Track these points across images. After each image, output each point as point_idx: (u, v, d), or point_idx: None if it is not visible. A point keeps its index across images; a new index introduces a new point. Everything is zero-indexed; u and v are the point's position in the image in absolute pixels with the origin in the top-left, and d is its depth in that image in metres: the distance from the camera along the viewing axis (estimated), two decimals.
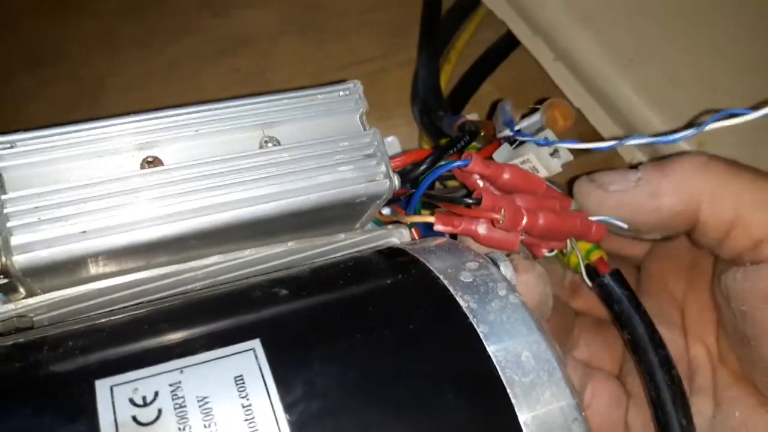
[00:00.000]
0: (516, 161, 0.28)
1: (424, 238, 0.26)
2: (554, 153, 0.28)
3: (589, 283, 0.28)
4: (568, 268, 0.31)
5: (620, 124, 0.41)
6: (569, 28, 0.40)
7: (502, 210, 0.25)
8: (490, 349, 0.19)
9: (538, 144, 0.26)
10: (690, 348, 0.27)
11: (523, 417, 0.18)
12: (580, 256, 0.28)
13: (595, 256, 0.28)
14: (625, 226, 0.27)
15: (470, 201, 0.25)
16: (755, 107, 0.21)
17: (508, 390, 0.19)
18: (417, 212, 0.28)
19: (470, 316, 0.20)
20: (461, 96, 0.41)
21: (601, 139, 0.41)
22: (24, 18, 0.42)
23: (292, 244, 0.25)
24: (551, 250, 0.28)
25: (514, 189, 0.26)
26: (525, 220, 0.25)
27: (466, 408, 0.19)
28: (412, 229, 0.28)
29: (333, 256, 0.26)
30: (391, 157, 0.26)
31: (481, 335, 0.20)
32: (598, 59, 0.40)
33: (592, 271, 0.28)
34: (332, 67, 0.41)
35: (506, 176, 0.26)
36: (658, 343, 0.25)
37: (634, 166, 0.27)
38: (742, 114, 0.20)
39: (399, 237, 0.28)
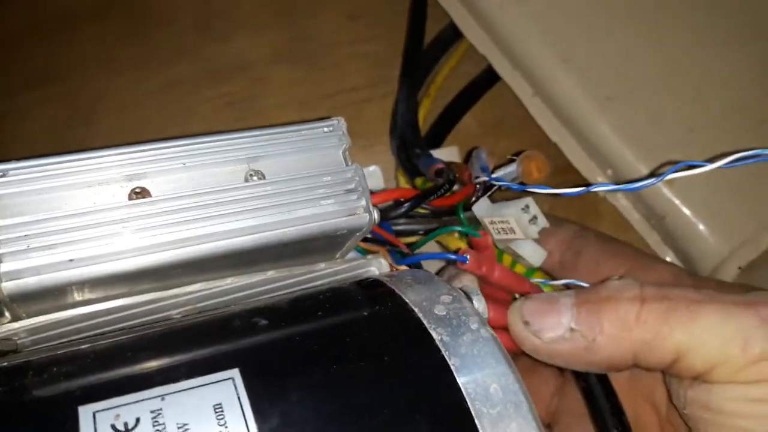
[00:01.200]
0: (495, 218, 0.29)
1: (402, 270, 0.27)
2: (533, 220, 0.29)
3: None
4: None
5: (596, 160, 0.43)
6: (549, 65, 0.41)
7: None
8: (461, 381, 0.20)
9: (512, 189, 0.27)
10: (637, 406, 0.28)
11: None
12: None
13: None
14: (586, 285, 0.29)
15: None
16: (712, 160, 0.22)
17: (477, 422, 0.20)
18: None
19: (443, 349, 0.21)
20: (442, 128, 0.42)
21: (577, 172, 0.42)
22: (25, 37, 0.43)
23: (273, 273, 0.26)
24: None
25: (501, 286, 0.28)
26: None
27: None
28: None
29: (313, 285, 0.26)
30: (374, 193, 0.27)
31: (452, 368, 0.21)
32: (576, 96, 0.41)
33: None
34: (320, 95, 0.43)
35: (496, 275, 0.28)
36: (611, 391, 0.26)
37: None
38: (700, 166, 0.21)
39: (378, 267, 0.28)
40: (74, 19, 0.43)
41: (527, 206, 0.27)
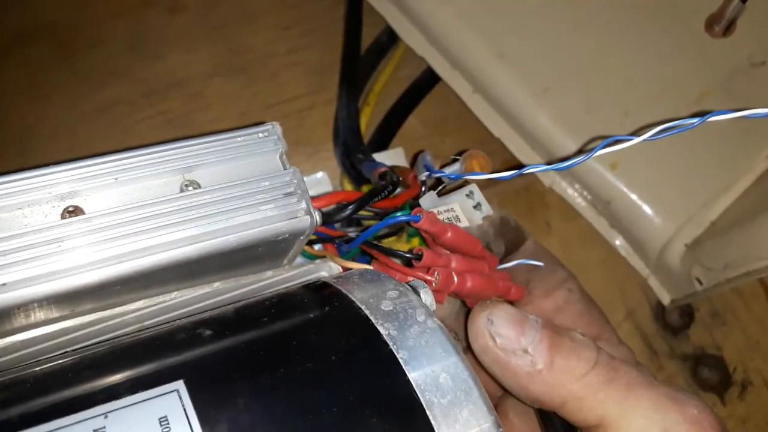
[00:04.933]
0: (441, 209, 0.30)
1: (350, 271, 0.27)
2: (477, 206, 0.29)
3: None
4: None
5: (538, 150, 0.44)
6: (485, 62, 0.42)
7: (436, 273, 0.27)
8: (410, 373, 0.20)
9: (450, 178, 0.27)
10: None
11: None
12: None
13: None
14: (540, 264, 0.29)
15: (410, 255, 0.27)
16: (636, 132, 0.22)
17: (428, 412, 0.20)
18: (353, 255, 0.30)
19: (390, 343, 0.21)
20: (387, 131, 0.42)
21: (521, 165, 0.43)
22: None
23: (219, 285, 0.25)
24: None
25: (454, 248, 0.28)
26: (455, 283, 0.27)
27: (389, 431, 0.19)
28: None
29: (261, 293, 0.26)
30: (317, 197, 0.27)
31: (401, 361, 0.21)
32: (513, 90, 0.42)
33: None
34: (260, 106, 0.42)
35: (449, 235, 0.28)
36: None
37: None
38: (627, 140, 0.22)
39: (328, 271, 0.28)
40: None
41: (471, 192, 0.28)
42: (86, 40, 0.42)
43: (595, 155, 0.22)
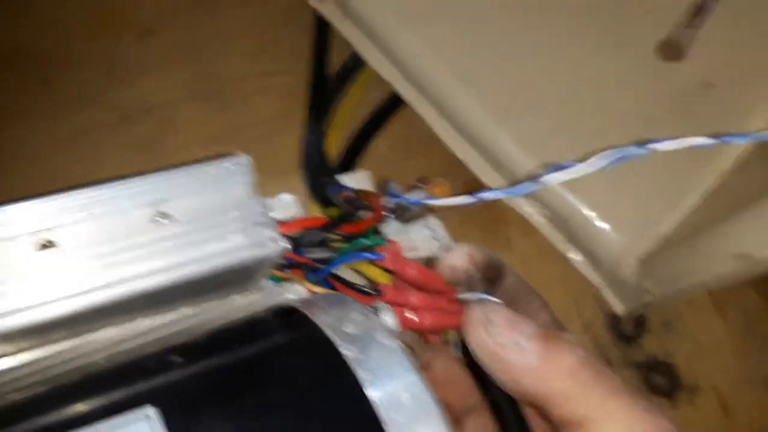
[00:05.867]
0: (402, 237, 0.31)
1: (316, 295, 0.28)
2: (437, 239, 0.31)
3: (454, 352, 0.31)
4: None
5: (502, 172, 0.45)
6: (449, 86, 0.44)
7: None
8: (371, 394, 0.21)
9: (410, 203, 0.29)
10: None
11: None
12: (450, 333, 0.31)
13: None
14: (497, 301, 0.29)
15: (372, 291, 0.28)
16: (582, 160, 0.24)
17: (385, 429, 0.21)
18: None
19: (353, 366, 0.22)
20: (353, 153, 0.43)
21: (484, 186, 0.45)
22: None
23: (187, 311, 0.26)
24: (438, 339, 0.31)
25: (415, 284, 0.29)
26: (411, 322, 0.28)
27: None
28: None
29: (229, 318, 0.27)
30: (285, 223, 0.28)
31: (363, 382, 0.22)
32: (476, 113, 0.44)
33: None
34: (229, 130, 0.44)
35: (412, 272, 0.29)
36: (514, 402, 0.28)
37: None
38: (572, 167, 0.24)
39: (294, 293, 0.29)
40: None
41: (432, 225, 0.29)
42: (62, 65, 0.43)
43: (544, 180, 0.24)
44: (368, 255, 0.28)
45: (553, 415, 0.26)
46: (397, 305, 0.28)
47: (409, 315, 0.28)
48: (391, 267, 0.28)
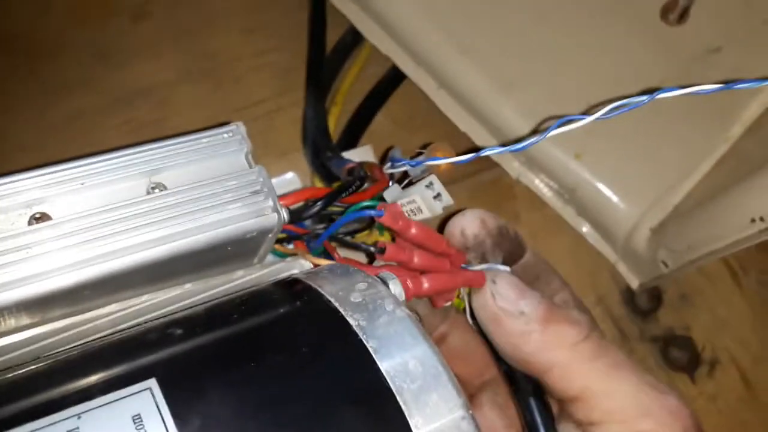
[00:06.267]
0: (403, 201, 0.30)
1: (320, 267, 0.28)
2: (437, 197, 0.30)
3: (470, 320, 0.30)
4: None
5: (505, 143, 0.44)
6: (449, 58, 0.43)
7: None
8: (380, 361, 0.21)
9: (412, 165, 0.28)
10: None
11: (414, 421, 0.20)
12: (466, 300, 0.30)
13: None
14: (507, 269, 0.29)
15: (373, 249, 0.27)
16: (587, 112, 0.23)
17: (398, 397, 0.20)
18: (322, 251, 0.30)
19: (360, 333, 0.21)
20: (355, 130, 0.43)
21: (489, 158, 0.44)
22: None
23: (190, 287, 0.26)
24: (445, 302, 0.30)
25: (418, 244, 0.29)
26: (410, 288, 0.27)
27: (361, 419, 0.20)
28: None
29: (232, 293, 0.26)
30: (285, 195, 0.27)
31: (370, 350, 0.21)
32: (478, 85, 0.43)
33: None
34: (228, 110, 0.43)
35: (413, 231, 0.28)
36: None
37: None
38: (579, 119, 0.23)
39: (299, 269, 0.29)
40: None
41: (431, 183, 0.28)
42: (51, 50, 0.42)
43: (550, 135, 0.23)
44: (369, 212, 0.27)
45: (554, 389, 0.26)
46: (399, 262, 0.27)
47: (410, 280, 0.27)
48: (391, 224, 0.27)
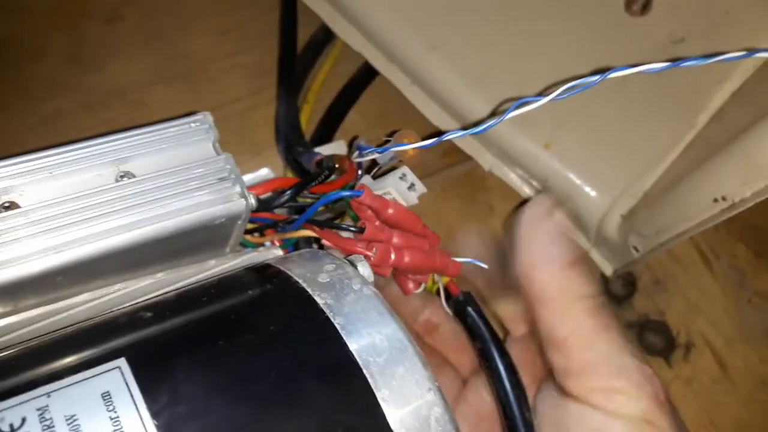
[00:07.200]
0: (378, 192, 0.31)
1: (291, 253, 0.28)
2: (411, 187, 0.30)
3: (446, 305, 0.31)
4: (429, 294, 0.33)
5: (478, 138, 0.45)
6: (419, 54, 0.43)
7: (374, 249, 0.28)
8: (346, 337, 0.21)
9: (379, 152, 0.28)
10: None
11: (380, 393, 0.20)
12: (439, 282, 0.31)
13: (446, 280, 0.31)
14: (485, 266, 0.30)
15: (353, 229, 0.28)
16: (542, 93, 0.24)
17: (365, 371, 0.21)
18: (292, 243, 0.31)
19: (327, 311, 0.22)
20: (329, 126, 0.43)
21: (462, 152, 0.44)
22: None
23: (162, 276, 0.26)
24: (419, 286, 0.31)
25: (395, 224, 0.29)
26: (392, 259, 0.28)
27: (328, 392, 0.20)
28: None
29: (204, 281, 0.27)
30: (255, 185, 0.28)
31: (337, 326, 0.21)
32: (449, 80, 0.44)
33: (447, 294, 0.31)
34: (203, 109, 0.42)
35: (390, 211, 0.29)
36: (504, 351, 0.28)
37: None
38: (535, 101, 0.24)
39: (272, 257, 0.29)
40: None
41: (404, 174, 0.29)
42: (27, 53, 0.42)
43: (509, 117, 0.24)
44: (347, 192, 0.27)
45: (545, 324, 0.27)
46: (378, 242, 0.28)
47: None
48: (369, 203, 0.28)
